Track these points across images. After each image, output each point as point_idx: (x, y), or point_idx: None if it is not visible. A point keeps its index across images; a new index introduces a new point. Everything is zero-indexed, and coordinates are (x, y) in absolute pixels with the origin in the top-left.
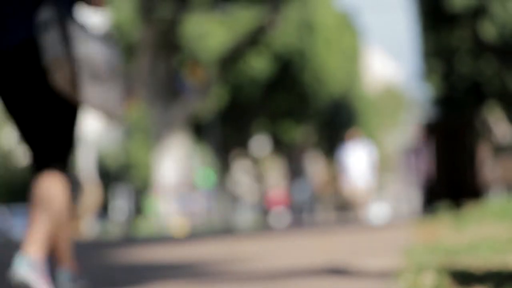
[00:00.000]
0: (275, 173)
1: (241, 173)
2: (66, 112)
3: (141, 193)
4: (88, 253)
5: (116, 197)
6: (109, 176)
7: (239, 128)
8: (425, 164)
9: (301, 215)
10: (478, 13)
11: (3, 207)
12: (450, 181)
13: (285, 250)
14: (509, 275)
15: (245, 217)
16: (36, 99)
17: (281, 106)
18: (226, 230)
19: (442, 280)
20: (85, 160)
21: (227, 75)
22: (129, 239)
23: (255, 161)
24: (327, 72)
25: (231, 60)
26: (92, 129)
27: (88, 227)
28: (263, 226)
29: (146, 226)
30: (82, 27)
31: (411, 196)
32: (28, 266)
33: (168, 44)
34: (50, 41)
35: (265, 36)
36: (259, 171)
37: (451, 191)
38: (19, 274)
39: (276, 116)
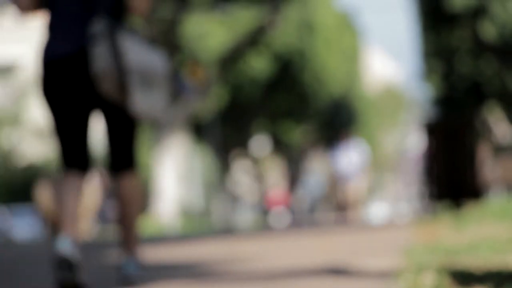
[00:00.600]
0: (275, 173)
1: (241, 173)
2: (114, 116)
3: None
4: (88, 253)
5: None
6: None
7: (239, 128)
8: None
9: (301, 215)
10: (478, 13)
11: (3, 207)
12: (450, 181)
13: (285, 250)
14: (509, 275)
15: (245, 217)
16: (84, 105)
17: (281, 106)
18: (226, 230)
19: (442, 280)
20: None
21: (227, 75)
22: None
23: (255, 161)
24: (327, 72)
25: (231, 60)
26: (92, 129)
27: (88, 227)
28: (263, 226)
29: (146, 226)
30: (131, 38)
31: (411, 196)
32: (136, 267)
33: (168, 44)
34: (99, 53)
35: (265, 36)
36: (259, 171)
37: (451, 191)
38: (129, 274)
39: (276, 116)
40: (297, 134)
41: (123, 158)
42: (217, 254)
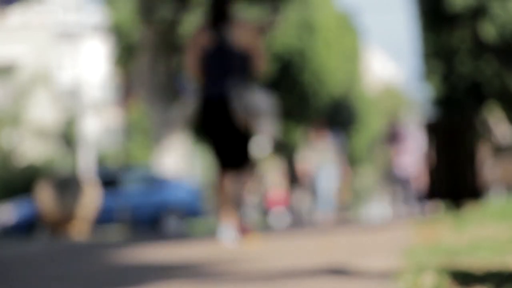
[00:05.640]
0: (275, 173)
1: None
2: (247, 136)
3: None
4: (88, 253)
5: None
6: None
7: None
8: (402, 154)
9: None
10: (478, 13)
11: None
12: (450, 181)
13: (285, 250)
14: (509, 276)
15: (245, 217)
16: (230, 128)
17: (281, 106)
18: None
19: (442, 281)
20: (85, 160)
21: None
22: (129, 239)
23: (255, 161)
24: (327, 72)
25: None
26: (92, 129)
27: (88, 227)
28: (263, 226)
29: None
30: (253, 87)
31: (410, 196)
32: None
33: (168, 44)
34: (237, 100)
35: (265, 36)
36: (259, 171)
37: (451, 191)
38: (228, 239)
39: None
40: (297, 134)
41: (237, 161)
42: (217, 254)
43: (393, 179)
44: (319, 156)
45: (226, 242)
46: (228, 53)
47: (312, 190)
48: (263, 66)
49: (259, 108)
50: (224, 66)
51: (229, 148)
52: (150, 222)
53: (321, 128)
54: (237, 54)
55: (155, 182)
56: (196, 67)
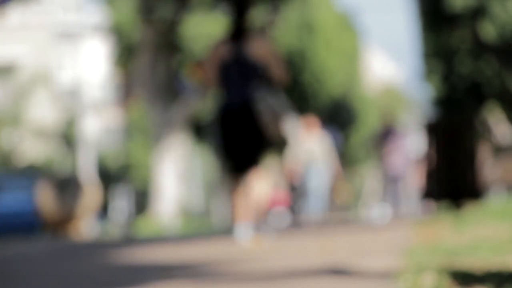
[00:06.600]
0: (275, 173)
1: None
2: (266, 138)
3: (141, 193)
4: (88, 254)
5: (116, 197)
6: (109, 176)
7: None
8: (397, 155)
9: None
10: (478, 13)
11: None
12: (450, 181)
13: (285, 250)
14: (509, 276)
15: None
16: (252, 133)
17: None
18: (226, 230)
19: (442, 281)
20: (85, 160)
21: None
22: (129, 239)
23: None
24: (327, 72)
25: None
26: (92, 129)
27: (88, 227)
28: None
29: (146, 226)
30: (272, 96)
31: (411, 196)
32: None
33: (168, 44)
34: (262, 107)
35: (267, 37)
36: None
37: (451, 191)
38: (244, 238)
39: None
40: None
41: (251, 162)
42: (217, 254)
43: (383, 179)
44: (308, 154)
45: (242, 241)
46: (246, 64)
47: (302, 191)
48: (284, 77)
49: (282, 111)
50: (243, 76)
51: (249, 152)
52: None
53: (312, 123)
54: (254, 65)
55: None
56: (214, 78)
